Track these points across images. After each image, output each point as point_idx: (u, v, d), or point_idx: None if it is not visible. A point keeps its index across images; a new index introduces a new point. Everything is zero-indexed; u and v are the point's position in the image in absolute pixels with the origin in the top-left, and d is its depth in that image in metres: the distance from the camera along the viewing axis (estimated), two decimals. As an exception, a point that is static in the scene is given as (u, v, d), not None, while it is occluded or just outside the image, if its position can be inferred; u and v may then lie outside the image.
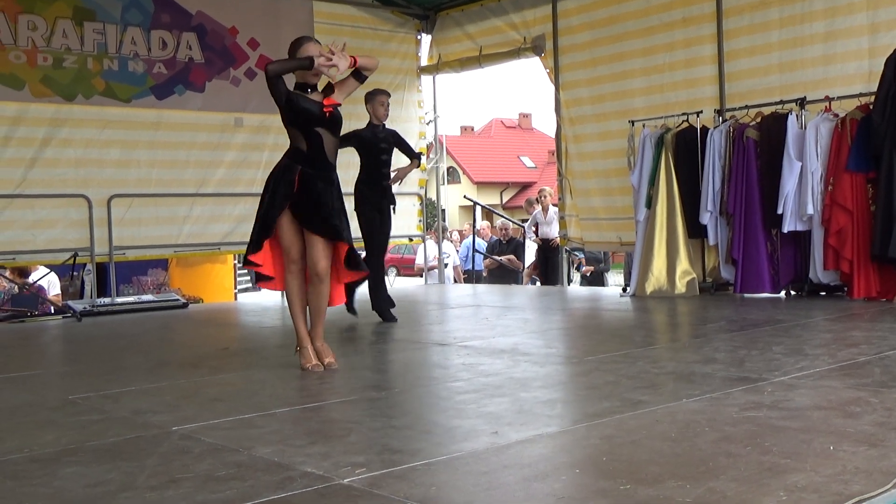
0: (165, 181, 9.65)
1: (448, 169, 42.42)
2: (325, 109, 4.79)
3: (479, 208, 15.63)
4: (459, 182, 40.26)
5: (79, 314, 8.43)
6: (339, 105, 4.87)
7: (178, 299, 9.41)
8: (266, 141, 9.96)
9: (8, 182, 8.69)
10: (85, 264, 9.63)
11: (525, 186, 43.05)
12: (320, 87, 4.90)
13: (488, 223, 15.24)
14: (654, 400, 3.60)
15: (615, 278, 13.61)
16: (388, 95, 7.33)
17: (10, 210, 8.72)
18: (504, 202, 41.40)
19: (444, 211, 29.22)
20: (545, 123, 62.94)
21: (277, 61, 4.80)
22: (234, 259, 12.22)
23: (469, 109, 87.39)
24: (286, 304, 4.89)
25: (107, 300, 9.11)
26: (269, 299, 11.00)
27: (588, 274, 12.18)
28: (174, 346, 6.53)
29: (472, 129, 46.35)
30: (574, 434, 3.11)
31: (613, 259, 14.25)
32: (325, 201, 4.70)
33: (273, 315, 8.52)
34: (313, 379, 4.52)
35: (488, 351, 5.25)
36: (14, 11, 8.63)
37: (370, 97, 7.22)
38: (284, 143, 4.93)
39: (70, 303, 9.03)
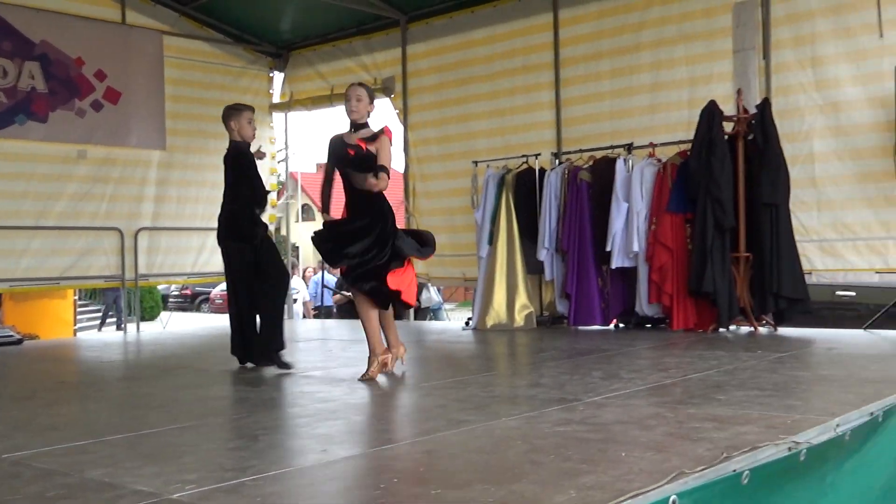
0: (1, 213, 9.36)
1: (303, 206, 42.31)
2: (348, 150, 5.30)
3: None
4: (314, 219, 40.16)
5: None
6: (366, 150, 5.27)
7: (11, 335, 9.09)
8: (111, 174, 9.81)
9: None
10: None
11: (380, 224, 43.25)
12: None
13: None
14: (477, 419, 3.86)
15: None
16: (253, 111, 6.38)
17: None
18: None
19: (298, 248, 29.05)
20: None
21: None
22: (75, 294, 11.88)
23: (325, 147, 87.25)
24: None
25: (-65, 335, 8.72)
26: (112, 336, 10.78)
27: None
28: (6, 380, 6.37)
29: (329, 167, 46.29)
30: (397, 450, 3.32)
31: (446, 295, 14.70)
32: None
33: (114, 350, 8.39)
34: (151, 408, 4.58)
35: (328, 380, 5.42)
36: None
37: (234, 113, 6.20)
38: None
39: None
